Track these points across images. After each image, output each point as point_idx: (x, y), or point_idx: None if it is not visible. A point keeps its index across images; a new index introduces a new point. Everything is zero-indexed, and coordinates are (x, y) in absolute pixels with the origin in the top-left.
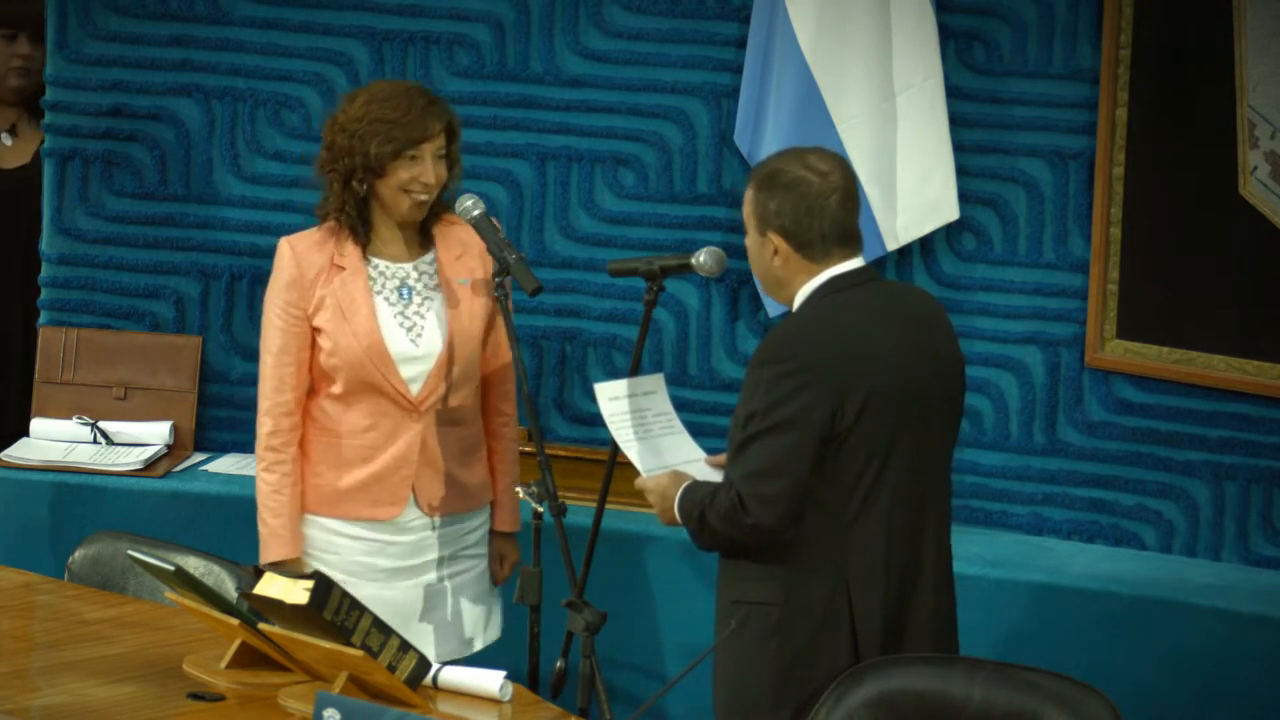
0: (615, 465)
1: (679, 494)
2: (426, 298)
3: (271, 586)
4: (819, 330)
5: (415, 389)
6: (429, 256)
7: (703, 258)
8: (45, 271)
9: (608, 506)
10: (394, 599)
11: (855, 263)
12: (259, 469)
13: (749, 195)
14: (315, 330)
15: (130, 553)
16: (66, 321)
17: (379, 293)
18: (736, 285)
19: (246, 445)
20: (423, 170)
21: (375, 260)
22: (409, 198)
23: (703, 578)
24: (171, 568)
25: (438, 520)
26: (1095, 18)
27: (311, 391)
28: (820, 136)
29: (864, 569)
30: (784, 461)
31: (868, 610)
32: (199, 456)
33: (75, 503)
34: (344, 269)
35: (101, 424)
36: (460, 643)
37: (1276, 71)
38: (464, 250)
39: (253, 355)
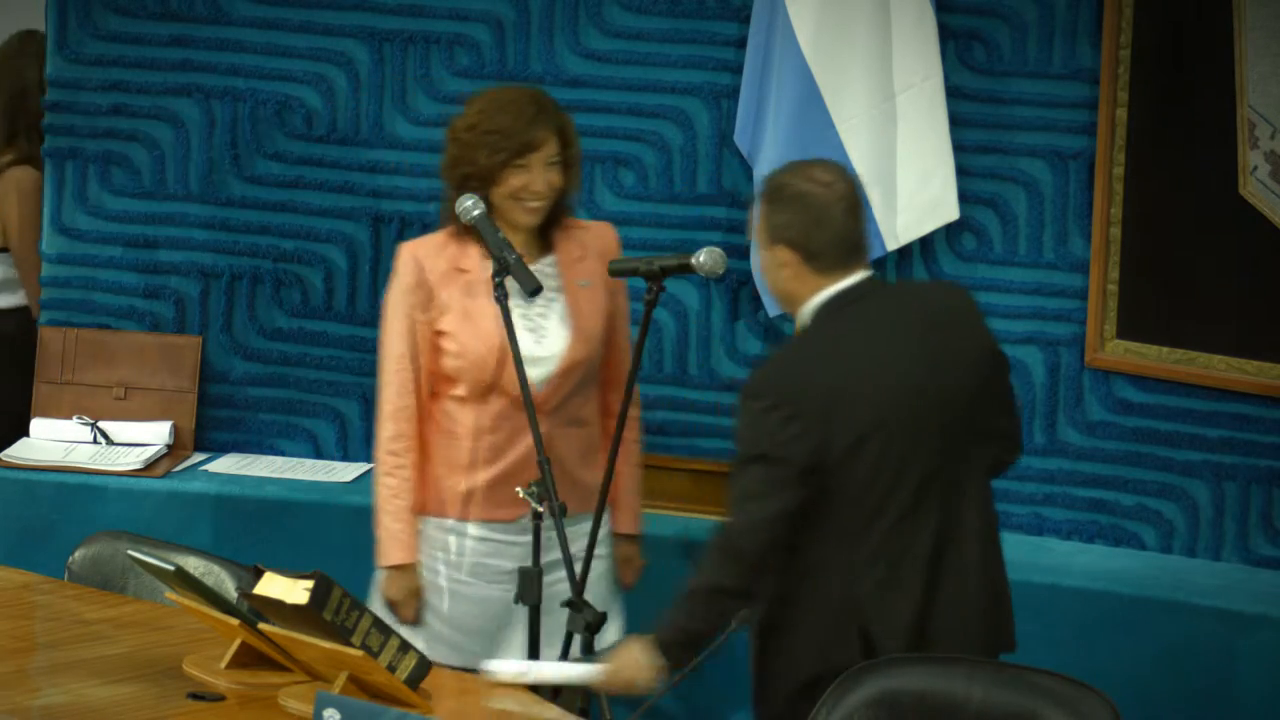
0: (615, 465)
1: (653, 647)
2: (549, 299)
3: (271, 586)
4: (810, 361)
5: (539, 390)
6: (549, 259)
7: (703, 258)
8: (45, 271)
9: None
10: (507, 598)
11: (860, 275)
12: (379, 472)
13: (758, 209)
14: (439, 334)
15: (130, 553)
16: (66, 321)
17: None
18: (736, 285)
19: (246, 445)
20: (531, 179)
21: None
22: (520, 205)
23: None
24: (171, 568)
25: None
26: (1095, 18)
27: (433, 394)
28: (820, 136)
29: (876, 583)
30: (766, 490)
31: (886, 628)
32: (199, 456)
33: (75, 503)
34: (467, 272)
35: (101, 424)
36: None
37: (1276, 71)
38: (584, 253)
39: (252, 355)
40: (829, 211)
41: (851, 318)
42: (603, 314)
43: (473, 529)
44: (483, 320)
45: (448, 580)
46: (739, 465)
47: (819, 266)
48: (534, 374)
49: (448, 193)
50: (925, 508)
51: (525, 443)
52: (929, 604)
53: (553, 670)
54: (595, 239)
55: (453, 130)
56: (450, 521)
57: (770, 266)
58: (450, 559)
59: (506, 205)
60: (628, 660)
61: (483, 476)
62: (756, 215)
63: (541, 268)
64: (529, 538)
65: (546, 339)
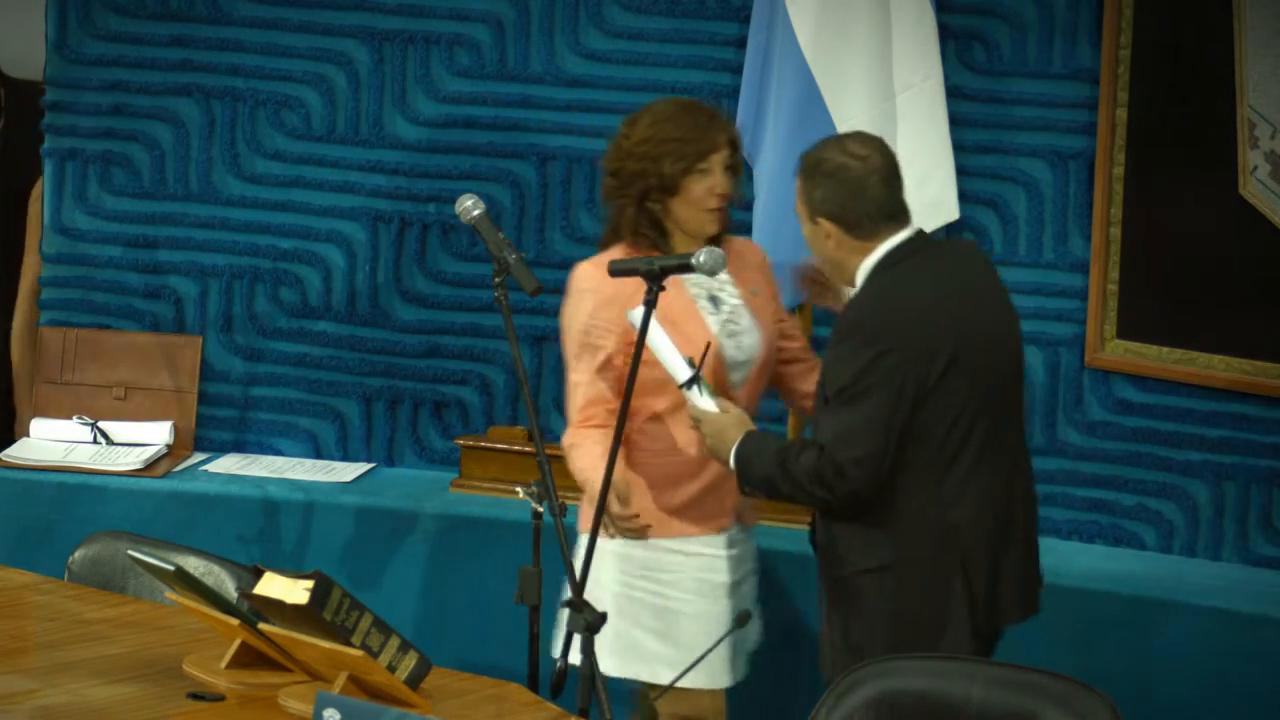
0: (614, 466)
1: (739, 441)
2: (734, 306)
3: (271, 586)
4: (887, 301)
5: (738, 391)
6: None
7: (703, 257)
8: (45, 271)
9: None
10: (724, 613)
11: (906, 233)
12: (572, 458)
13: (798, 185)
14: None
15: (130, 553)
16: (66, 321)
17: (696, 301)
18: None
19: (246, 445)
20: (715, 181)
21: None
22: (705, 212)
23: None
24: (171, 568)
25: (747, 530)
26: (1095, 18)
27: (628, 415)
28: (820, 136)
29: (965, 521)
30: (871, 425)
31: (976, 561)
32: (199, 456)
33: (75, 503)
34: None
35: (101, 424)
36: (753, 645)
37: (1276, 71)
38: (741, 262)
39: (252, 355)
40: (865, 183)
41: (909, 268)
42: (774, 317)
43: (686, 545)
44: (690, 327)
45: (670, 600)
46: (842, 403)
47: (861, 235)
48: (735, 377)
49: (617, 212)
50: (993, 455)
51: None
52: (997, 551)
53: (669, 356)
54: (746, 249)
55: (620, 149)
56: (665, 541)
57: (815, 239)
58: (668, 578)
59: (688, 214)
60: (726, 426)
61: (689, 490)
62: (797, 191)
63: (720, 274)
64: (733, 550)
65: (743, 343)
